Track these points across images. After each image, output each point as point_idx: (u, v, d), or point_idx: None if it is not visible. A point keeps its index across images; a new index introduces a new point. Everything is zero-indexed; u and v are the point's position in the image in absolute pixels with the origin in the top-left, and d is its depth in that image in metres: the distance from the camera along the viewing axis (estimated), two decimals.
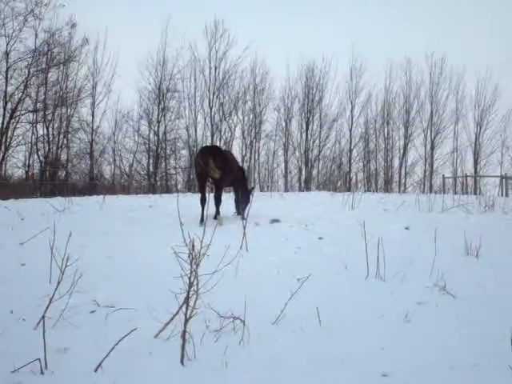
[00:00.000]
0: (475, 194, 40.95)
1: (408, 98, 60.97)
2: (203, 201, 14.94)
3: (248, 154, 57.91)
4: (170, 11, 68.50)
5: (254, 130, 58.18)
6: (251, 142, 58.07)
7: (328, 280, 8.26)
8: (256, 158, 58.78)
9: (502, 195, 37.43)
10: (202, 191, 15.77)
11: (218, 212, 15.37)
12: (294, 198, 24.51)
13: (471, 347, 5.61)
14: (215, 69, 57.07)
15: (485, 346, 5.63)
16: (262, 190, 51.86)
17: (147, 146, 55.11)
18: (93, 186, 46.99)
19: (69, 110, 52.80)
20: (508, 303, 7.17)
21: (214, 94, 56.78)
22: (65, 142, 52.76)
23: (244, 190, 17.07)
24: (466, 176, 52.78)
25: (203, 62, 56.89)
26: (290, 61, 66.00)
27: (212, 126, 56.29)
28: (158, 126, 54.82)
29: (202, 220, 14.27)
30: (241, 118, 58.09)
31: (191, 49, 56.15)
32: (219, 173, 15.36)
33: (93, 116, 53.30)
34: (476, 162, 60.16)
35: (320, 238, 12.37)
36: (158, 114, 54.86)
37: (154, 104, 55.19)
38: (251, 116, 58.15)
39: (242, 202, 16.41)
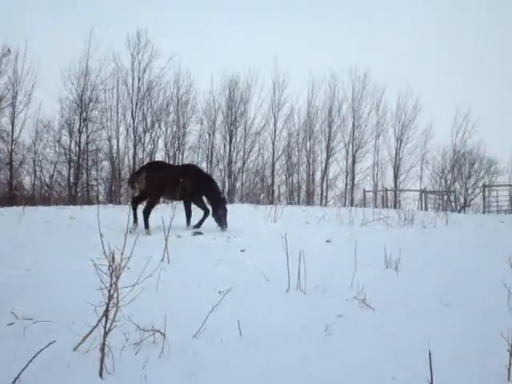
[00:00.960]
0: (395, 207, 41.68)
1: (330, 112, 61.79)
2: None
3: None
4: (93, 21, 67.89)
5: (177, 142, 58.03)
6: (174, 153, 57.87)
7: (249, 292, 8.26)
8: None
9: (422, 209, 38.19)
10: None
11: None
12: None
13: (390, 360, 5.67)
14: (138, 80, 56.76)
15: (403, 358, 5.69)
16: None
17: (68, 156, 54.38)
18: (12, 196, 46.12)
19: None
20: (426, 316, 7.28)
21: (136, 105, 56.40)
22: None
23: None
24: (387, 190, 53.61)
25: (126, 73, 56.54)
26: (215, 73, 65.89)
27: (135, 137, 55.92)
28: (80, 137, 54.15)
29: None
30: (164, 129, 57.91)
31: (114, 59, 55.78)
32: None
33: (12, 126, 52.36)
34: (396, 177, 61.30)
35: (242, 251, 12.39)
36: (80, 125, 54.18)
37: (76, 114, 54.53)
38: (174, 128, 58.00)
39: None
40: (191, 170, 18.00)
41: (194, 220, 16.85)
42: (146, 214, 16.03)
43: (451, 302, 7.90)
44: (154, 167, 17.82)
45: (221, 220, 16.35)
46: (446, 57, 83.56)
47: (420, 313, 7.45)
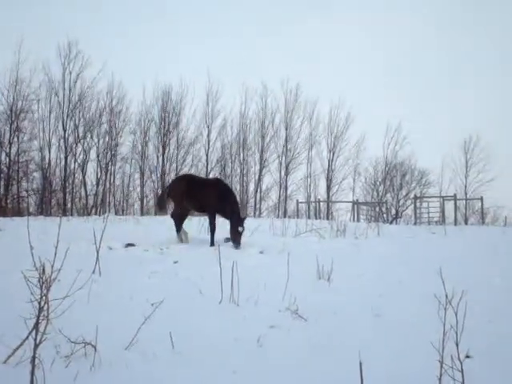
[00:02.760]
0: (328, 219, 41.99)
1: (263, 123, 62.03)
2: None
3: (103, 177, 57.24)
4: (23, 31, 66.97)
5: (109, 153, 57.59)
6: (106, 164, 57.42)
7: (182, 304, 8.24)
8: (112, 181, 58.22)
9: (354, 220, 38.54)
10: None
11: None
12: (149, 222, 24.40)
13: (321, 371, 5.71)
14: (69, 90, 56.26)
15: (334, 369, 5.74)
16: (117, 213, 51.31)
17: None
18: None
19: None
20: (358, 327, 7.35)
21: (68, 115, 55.87)
22: None
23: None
24: (319, 201, 54.01)
25: (57, 83, 56.02)
26: (147, 84, 65.74)
27: (66, 147, 55.32)
28: (10, 148, 53.38)
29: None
30: (96, 140, 57.41)
31: (44, 69, 55.20)
32: None
33: None
34: (329, 188, 61.81)
35: (175, 262, 12.35)
36: (10, 135, 53.42)
37: (6, 125, 53.70)
38: (107, 138, 57.58)
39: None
40: (216, 183, 17.96)
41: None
42: (174, 221, 16.78)
43: (382, 312, 8.00)
44: (178, 178, 18.82)
45: (236, 240, 15.97)
46: (378, 69, 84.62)
47: (352, 323, 7.52)
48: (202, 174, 59.84)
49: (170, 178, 58.53)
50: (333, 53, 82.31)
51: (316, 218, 39.69)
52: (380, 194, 62.90)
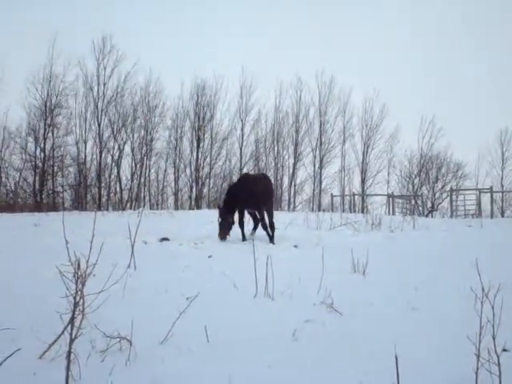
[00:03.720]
0: (363, 212, 41.77)
1: (297, 116, 61.75)
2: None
3: (138, 172, 57.45)
4: (57, 26, 67.19)
5: (144, 148, 57.73)
6: (141, 159, 57.61)
7: (217, 299, 8.23)
8: (146, 175, 58.37)
9: (389, 213, 38.31)
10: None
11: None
12: (183, 217, 24.45)
13: (357, 364, 5.67)
14: (104, 85, 56.45)
15: (370, 363, 5.70)
16: (151, 208, 51.50)
17: (33, 163, 53.90)
18: None
19: None
20: (393, 321, 7.30)
21: (102, 110, 56.07)
22: None
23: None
24: (354, 194, 53.69)
25: (91, 78, 56.21)
26: (183, 78, 65.80)
27: (101, 142, 55.57)
28: (45, 143, 53.70)
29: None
30: (131, 135, 57.58)
31: (79, 65, 55.36)
32: None
33: None
34: (363, 181, 61.40)
35: (210, 257, 12.36)
36: (45, 131, 53.74)
37: (41, 120, 54.05)
38: (142, 133, 57.70)
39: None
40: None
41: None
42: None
43: (418, 305, 7.93)
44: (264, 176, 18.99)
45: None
46: (412, 61, 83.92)
47: (387, 317, 7.47)
48: (236, 169, 59.86)
49: (204, 172, 58.64)
50: (367, 44, 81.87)
51: (351, 212, 39.54)
52: (415, 186, 62.41)
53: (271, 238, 16.03)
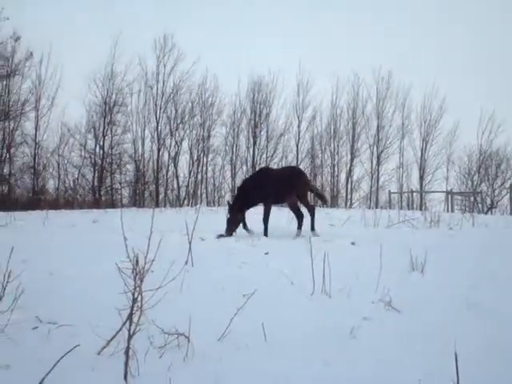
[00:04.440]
0: (421, 209, 41.42)
1: (354, 112, 61.42)
2: None
3: (195, 169, 57.79)
4: (120, 24, 68.07)
5: (201, 145, 58.06)
6: (198, 156, 57.96)
7: (274, 296, 8.22)
8: (203, 172, 58.70)
9: (448, 211, 37.93)
10: None
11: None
12: None
13: (416, 363, 5.61)
14: (163, 83, 56.94)
15: (429, 361, 5.64)
16: (208, 204, 51.78)
17: (92, 160, 54.61)
18: (36, 200, 46.36)
19: (12, 124, 52.04)
20: (452, 319, 7.21)
21: (161, 108, 56.58)
22: (7, 156, 51.89)
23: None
24: (412, 191, 53.30)
25: (152, 76, 56.77)
26: (239, 75, 65.76)
27: (159, 140, 56.05)
28: (104, 140, 54.40)
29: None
30: (188, 132, 57.96)
31: (140, 63, 55.95)
32: None
33: (36, 130, 52.67)
34: (421, 178, 60.73)
35: (266, 254, 12.37)
36: (104, 128, 54.44)
37: (100, 118, 54.75)
38: (199, 130, 58.05)
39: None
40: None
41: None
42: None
43: (478, 303, 7.81)
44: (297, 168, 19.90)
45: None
46: (471, 56, 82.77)
47: (446, 315, 7.38)
48: (293, 165, 59.84)
49: None
50: (426, 40, 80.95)
51: (409, 209, 39.23)
52: (475, 183, 61.57)
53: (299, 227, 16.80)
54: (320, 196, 19.31)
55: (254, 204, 16.74)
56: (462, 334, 6.34)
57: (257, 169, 48.66)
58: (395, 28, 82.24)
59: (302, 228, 16.77)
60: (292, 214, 18.68)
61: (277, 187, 16.71)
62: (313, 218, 16.68)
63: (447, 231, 17.42)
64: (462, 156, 62.23)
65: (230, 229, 15.94)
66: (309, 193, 18.47)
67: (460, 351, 4.74)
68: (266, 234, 16.08)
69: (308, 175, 18.54)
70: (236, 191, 17.42)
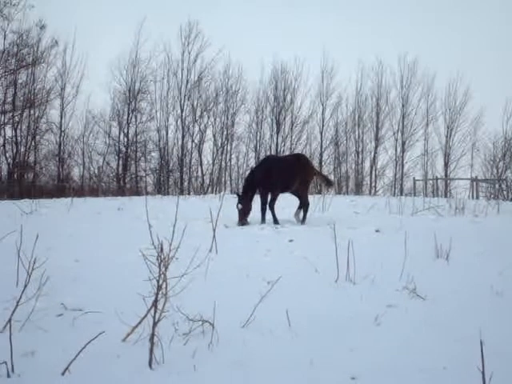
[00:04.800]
0: (446, 196, 41.19)
1: (379, 100, 61.03)
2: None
3: (219, 157, 57.79)
4: (144, 12, 68.14)
5: (225, 132, 58.02)
6: (222, 143, 57.94)
7: (298, 283, 8.23)
8: (227, 160, 58.69)
9: (473, 198, 37.68)
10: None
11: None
12: None
13: (440, 350, 5.60)
14: (188, 71, 56.92)
15: (454, 348, 5.62)
16: (232, 192, 51.84)
17: (117, 147, 54.78)
18: (61, 188, 46.58)
19: (37, 112, 52.24)
20: (477, 306, 7.18)
21: (185, 95, 56.58)
22: (33, 143, 52.15)
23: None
24: (437, 179, 52.94)
25: (176, 64, 56.75)
26: (264, 63, 65.60)
27: (183, 127, 56.09)
28: (128, 128, 54.52)
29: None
30: (212, 120, 57.95)
31: (165, 50, 55.92)
32: None
33: (61, 117, 52.86)
34: (446, 165, 60.31)
35: (290, 241, 12.36)
36: (128, 116, 54.55)
37: (125, 105, 54.88)
38: (223, 118, 57.98)
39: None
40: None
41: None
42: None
43: (503, 291, 7.77)
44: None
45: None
46: (496, 42, 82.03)
47: (471, 302, 7.35)
48: (316, 153, 59.73)
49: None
50: (450, 27, 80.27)
51: (433, 196, 39.00)
52: (500, 170, 61.05)
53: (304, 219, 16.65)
54: (326, 180, 19.23)
55: (265, 193, 16.67)
56: (487, 322, 6.32)
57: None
58: (420, 15, 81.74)
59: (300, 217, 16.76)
60: (314, 202, 18.73)
61: (284, 175, 16.67)
62: (305, 213, 16.65)
63: (472, 218, 17.31)
64: (487, 143, 61.69)
65: (243, 218, 15.90)
66: (312, 183, 18.38)
67: (485, 339, 4.72)
68: (276, 222, 16.08)
69: (312, 162, 18.47)
70: (244, 181, 17.25)
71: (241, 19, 78.71)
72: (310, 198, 18.61)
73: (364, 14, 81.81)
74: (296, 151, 56.73)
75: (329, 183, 19.31)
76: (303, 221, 16.40)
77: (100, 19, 73.97)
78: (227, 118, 57.85)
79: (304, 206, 16.85)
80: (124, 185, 53.18)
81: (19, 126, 51.44)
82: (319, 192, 42.08)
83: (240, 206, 15.98)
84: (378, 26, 78.97)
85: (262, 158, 42.17)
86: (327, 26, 78.48)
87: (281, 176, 16.69)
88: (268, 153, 57.38)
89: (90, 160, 54.75)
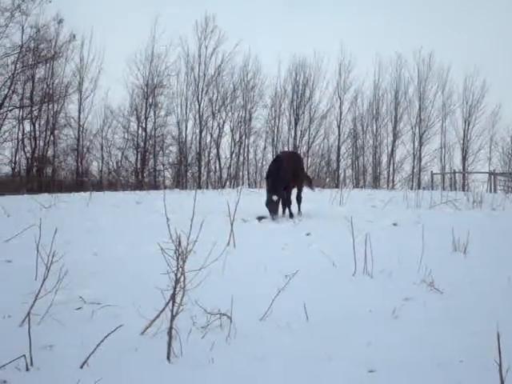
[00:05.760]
0: (463, 190, 40.97)
1: (397, 94, 60.75)
2: None
3: (237, 151, 57.78)
4: (159, 6, 67.99)
5: (243, 127, 57.98)
6: (240, 138, 57.90)
7: (315, 276, 8.24)
8: (245, 154, 58.67)
9: (491, 191, 37.48)
10: None
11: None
12: None
13: (458, 343, 5.60)
14: (205, 65, 56.86)
15: (471, 342, 5.62)
16: (250, 186, 51.85)
17: (135, 142, 54.86)
18: (80, 182, 46.75)
19: (55, 106, 52.35)
20: (495, 299, 7.17)
21: (203, 90, 56.55)
22: (51, 138, 52.31)
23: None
24: (455, 172, 52.74)
25: (193, 58, 56.68)
26: (281, 58, 65.00)
27: (201, 122, 56.10)
28: (146, 122, 54.55)
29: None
30: (230, 114, 57.90)
31: (181, 44, 55.77)
32: None
33: (79, 112, 52.97)
34: (464, 159, 60.04)
35: (307, 234, 12.38)
36: (146, 110, 54.56)
37: (143, 100, 54.93)
38: (241, 112, 57.91)
39: None
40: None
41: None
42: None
43: None
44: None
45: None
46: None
47: (489, 296, 7.35)
48: (334, 147, 59.62)
49: (302, 151, 58.41)
50: (466, 18, 79.81)
51: (451, 190, 38.80)
52: None
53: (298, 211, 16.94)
54: (309, 181, 19.35)
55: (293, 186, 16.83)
56: (504, 315, 6.32)
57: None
58: (437, 8, 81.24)
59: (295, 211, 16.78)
60: (331, 195, 18.76)
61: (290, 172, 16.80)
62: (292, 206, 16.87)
63: (490, 212, 17.25)
64: (505, 137, 61.29)
65: (277, 210, 15.99)
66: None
67: (503, 332, 4.71)
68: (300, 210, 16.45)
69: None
70: (272, 175, 17.21)
71: (257, 14, 78.38)
72: (328, 191, 18.56)
73: (379, 6, 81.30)
74: (314, 145, 56.80)
75: (310, 185, 19.32)
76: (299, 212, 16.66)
77: (116, 14, 74.02)
78: (245, 113, 57.80)
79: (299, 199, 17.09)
80: (142, 179, 53.23)
81: (38, 121, 51.69)
82: (337, 186, 42.08)
83: (275, 197, 15.94)
84: (393, 18, 78.75)
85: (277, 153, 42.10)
86: (343, 20, 78.20)
87: (301, 169, 16.99)
88: (286, 147, 57.29)
89: (109, 154, 54.94)
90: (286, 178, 16.25)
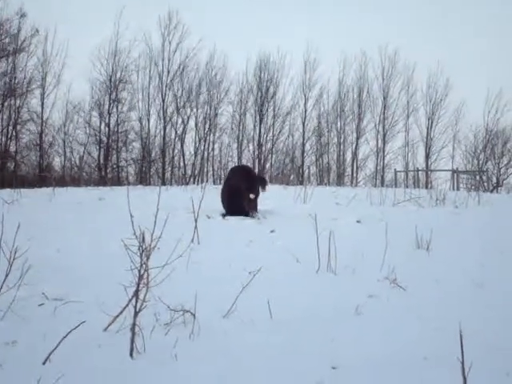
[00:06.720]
0: (426, 188, 41.31)
1: (361, 91, 61.12)
2: None
3: (202, 147, 57.71)
4: (123, 1, 67.63)
5: (208, 123, 57.90)
6: (205, 134, 57.84)
7: (279, 273, 8.26)
8: (210, 151, 58.61)
9: (454, 189, 37.81)
10: None
11: None
12: None
13: (421, 340, 5.65)
14: (169, 60, 56.70)
15: (435, 339, 5.67)
16: (215, 183, 51.81)
17: (98, 137, 54.54)
18: (42, 177, 46.36)
19: (18, 101, 51.91)
20: (458, 297, 7.24)
21: (167, 85, 56.40)
22: (14, 133, 51.87)
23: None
24: (418, 170, 53.16)
25: (157, 54, 56.50)
26: (248, 54, 65.05)
27: (165, 118, 55.94)
28: (109, 118, 54.21)
29: None
30: (195, 110, 57.80)
31: (145, 40, 55.53)
32: None
33: (42, 107, 52.55)
34: (427, 156, 60.44)
35: (272, 231, 12.38)
36: (109, 106, 54.24)
37: (106, 95, 54.63)
38: (206, 108, 57.85)
39: None
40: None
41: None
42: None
43: (484, 282, 7.85)
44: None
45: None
46: (476, 33, 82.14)
47: (452, 293, 7.42)
48: (299, 144, 59.78)
49: (267, 148, 58.60)
50: (432, 17, 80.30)
51: (414, 187, 39.05)
52: (480, 162, 61.30)
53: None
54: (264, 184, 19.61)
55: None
56: (467, 313, 6.39)
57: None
58: (402, 5, 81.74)
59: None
60: (296, 192, 18.79)
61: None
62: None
63: (453, 210, 17.39)
64: (468, 135, 61.92)
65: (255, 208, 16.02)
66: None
67: (465, 329, 4.75)
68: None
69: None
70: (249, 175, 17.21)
71: (224, 9, 78.38)
72: (292, 188, 18.59)
73: (348, 3, 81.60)
74: (278, 142, 57.03)
75: None
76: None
77: (81, 7, 73.40)
78: (210, 109, 57.75)
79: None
80: (105, 175, 52.96)
81: (0, 116, 51.18)
82: (301, 183, 42.17)
83: (252, 196, 15.90)
84: (359, 14, 78.98)
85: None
86: (311, 17, 78.52)
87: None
88: (250, 144, 57.52)
89: (71, 150, 54.56)
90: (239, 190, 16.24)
